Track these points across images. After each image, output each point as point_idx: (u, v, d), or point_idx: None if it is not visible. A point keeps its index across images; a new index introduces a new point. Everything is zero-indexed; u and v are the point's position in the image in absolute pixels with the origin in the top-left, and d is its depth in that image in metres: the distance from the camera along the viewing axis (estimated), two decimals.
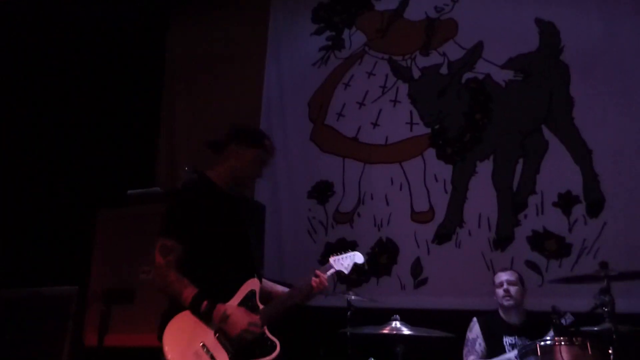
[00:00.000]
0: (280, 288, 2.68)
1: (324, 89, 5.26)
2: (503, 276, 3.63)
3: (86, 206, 4.43)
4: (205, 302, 2.36)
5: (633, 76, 4.30)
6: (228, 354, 2.35)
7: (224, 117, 5.21)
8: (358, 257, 2.70)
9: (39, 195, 5.04)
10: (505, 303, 3.55)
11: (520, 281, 3.65)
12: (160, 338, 2.37)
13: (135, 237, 4.08)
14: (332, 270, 2.63)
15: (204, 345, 2.34)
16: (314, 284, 2.52)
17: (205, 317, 2.37)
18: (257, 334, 2.40)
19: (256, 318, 2.41)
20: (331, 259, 2.66)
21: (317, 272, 2.56)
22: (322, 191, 4.98)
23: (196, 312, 2.37)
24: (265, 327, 2.46)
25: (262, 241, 4.46)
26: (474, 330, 3.60)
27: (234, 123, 2.81)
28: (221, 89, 5.51)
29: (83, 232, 4.33)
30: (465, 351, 3.57)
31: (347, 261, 2.67)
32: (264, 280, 2.68)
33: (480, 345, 3.54)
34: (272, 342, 2.44)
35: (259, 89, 5.43)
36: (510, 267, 4.00)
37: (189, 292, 2.37)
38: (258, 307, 2.50)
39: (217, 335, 2.38)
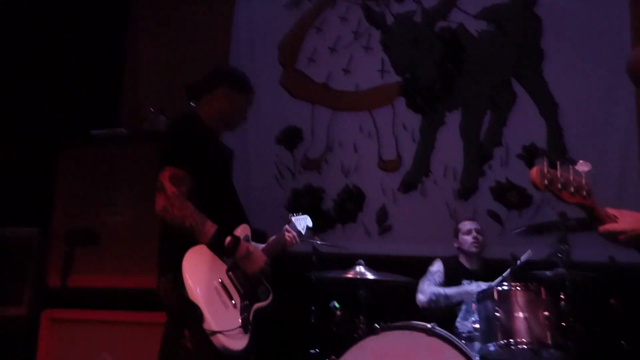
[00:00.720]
0: None
1: (295, 33, 5.12)
2: (471, 225, 3.79)
3: (48, 146, 4.29)
4: (229, 237, 2.33)
5: (604, 34, 4.33)
6: (239, 294, 2.35)
7: (191, 57, 5.04)
8: (309, 221, 2.92)
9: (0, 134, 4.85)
10: (474, 249, 3.70)
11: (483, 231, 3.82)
12: (172, 272, 2.28)
13: (98, 178, 4.00)
14: (296, 229, 2.79)
15: (221, 282, 2.32)
16: (287, 238, 2.64)
17: (228, 252, 2.33)
18: (269, 273, 2.45)
19: (267, 258, 2.45)
20: (293, 219, 2.83)
21: (287, 227, 2.69)
22: (290, 137, 4.93)
23: (217, 246, 2.32)
24: None
25: None
26: (436, 266, 3.73)
27: (220, 65, 2.74)
28: (188, 28, 5.30)
29: (45, 172, 4.21)
30: (422, 280, 3.65)
31: (303, 223, 2.86)
32: None
33: (440, 277, 3.66)
34: (268, 287, 2.49)
35: (227, 29, 5.24)
36: (472, 216, 4.12)
37: (210, 225, 2.32)
38: None
39: (229, 273, 2.36)
